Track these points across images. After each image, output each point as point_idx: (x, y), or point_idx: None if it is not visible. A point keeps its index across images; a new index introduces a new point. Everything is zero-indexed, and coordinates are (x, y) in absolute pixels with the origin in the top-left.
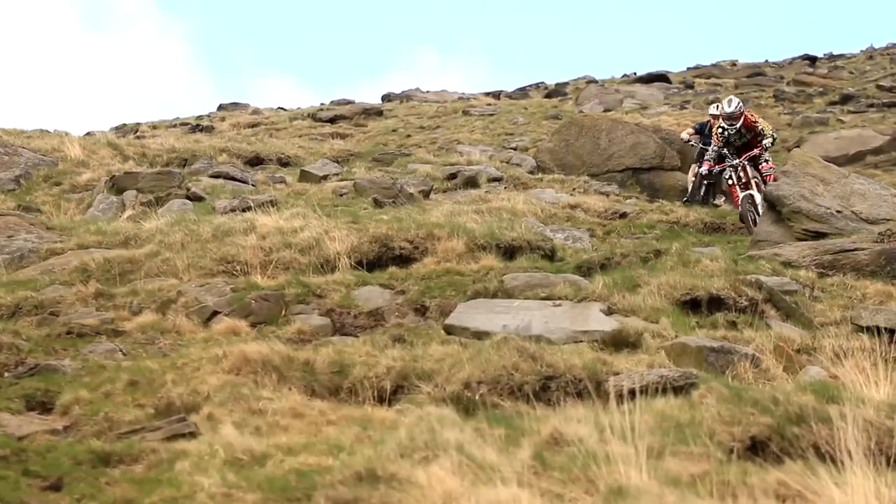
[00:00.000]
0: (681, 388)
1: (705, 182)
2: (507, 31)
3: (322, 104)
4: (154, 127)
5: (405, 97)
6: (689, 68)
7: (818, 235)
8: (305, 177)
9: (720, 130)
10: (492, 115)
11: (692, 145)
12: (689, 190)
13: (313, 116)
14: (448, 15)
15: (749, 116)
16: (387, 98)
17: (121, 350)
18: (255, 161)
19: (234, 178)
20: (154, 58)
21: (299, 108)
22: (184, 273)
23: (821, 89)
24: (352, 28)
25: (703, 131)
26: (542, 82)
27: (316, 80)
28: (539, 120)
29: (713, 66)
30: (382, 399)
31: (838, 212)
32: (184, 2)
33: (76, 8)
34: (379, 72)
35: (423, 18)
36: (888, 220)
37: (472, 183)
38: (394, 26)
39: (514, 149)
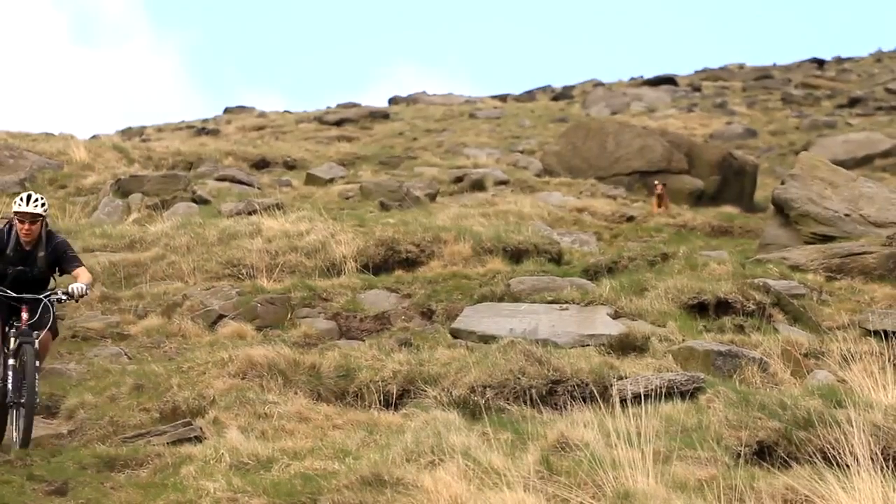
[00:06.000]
0: (688, 393)
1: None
2: (512, 34)
3: (328, 107)
4: (160, 130)
5: (411, 100)
6: (696, 71)
7: (826, 239)
8: (312, 180)
9: None
10: (498, 118)
11: None
12: None
13: (319, 119)
14: (445, 19)
15: None
16: (393, 101)
17: (126, 354)
18: (261, 164)
19: (239, 182)
20: (143, 70)
21: (305, 111)
22: (189, 276)
23: (829, 92)
24: (342, 40)
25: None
26: (549, 85)
27: (305, 94)
28: (546, 123)
29: (721, 69)
30: (388, 403)
31: (846, 215)
32: (174, 15)
33: (65, 18)
34: (372, 83)
35: (420, 23)
36: None
37: (478, 186)
38: (389, 35)
39: (521, 152)
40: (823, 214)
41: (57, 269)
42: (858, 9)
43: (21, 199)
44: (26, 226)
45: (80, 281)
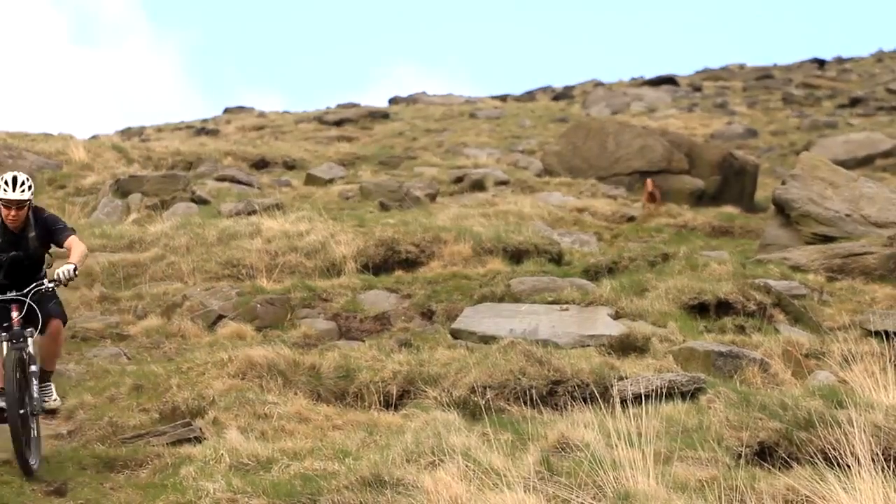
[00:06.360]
0: (689, 393)
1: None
2: (512, 34)
3: (328, 107)
4: (159, 130)
5: (411, 100)
6: (697, 71)
7: (827, 239)
8: (311, 180)
9: None
10: (498, 118)
11: None
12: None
13: (319, 119)
14: (445, 19)
15: None
16: (393, 101)
17: (125, 354)
18: (261, 164)
19: (239, 182)
20: (142, 70)
21: (305, 111)
22: (189, 277)
23: (829, 92)
24: (342, 40)
25: None
26: (549, 85)
27: (305, 94)
28: (546, 123)
29: (721, 69)
30: (388, 403)
31: (847, 215)
32: (173, 15)
33: (65, 18)
34: (372, 83)
35: (420, 23)
36: None
37: (478, 186)
38: (389, 35)
39: (521, 152)
40: (824, 215)
41: (51, 244)
42: (859, 9)
43: (6, 184)
44: (13, 212)
45: (72, 252)
